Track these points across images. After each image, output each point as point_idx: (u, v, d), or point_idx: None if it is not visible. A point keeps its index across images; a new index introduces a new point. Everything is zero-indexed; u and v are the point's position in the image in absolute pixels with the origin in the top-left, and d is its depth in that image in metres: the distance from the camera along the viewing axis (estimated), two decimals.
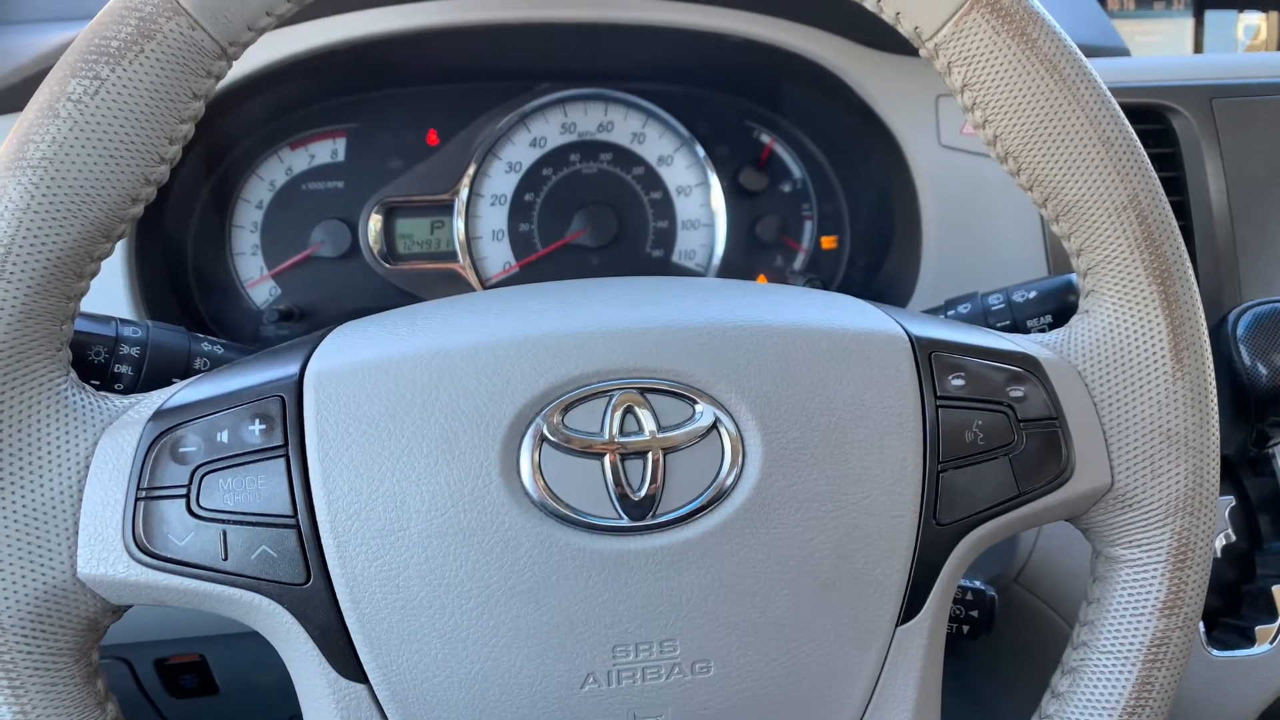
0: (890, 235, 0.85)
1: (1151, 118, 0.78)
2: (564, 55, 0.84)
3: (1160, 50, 1.07)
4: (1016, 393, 0.46)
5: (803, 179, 0.91)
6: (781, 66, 0.81)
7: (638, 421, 0.42)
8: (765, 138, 0.91)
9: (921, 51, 0.46)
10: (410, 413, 0.41)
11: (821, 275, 0.91)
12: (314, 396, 0.42)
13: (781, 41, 0.78)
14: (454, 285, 0.86)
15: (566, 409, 0.42)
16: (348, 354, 0.43)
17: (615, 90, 0.88)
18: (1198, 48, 1.08)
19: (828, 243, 0.91)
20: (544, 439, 0.41)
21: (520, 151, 0.87)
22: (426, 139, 0.86)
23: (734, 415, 0.43)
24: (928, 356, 0.45)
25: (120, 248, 0.71)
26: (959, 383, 0.45)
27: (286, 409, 0.41)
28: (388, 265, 0.85)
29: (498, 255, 0.87)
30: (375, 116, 0.86)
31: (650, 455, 0.42)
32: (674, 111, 0.88)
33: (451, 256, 0.86)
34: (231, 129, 0.82)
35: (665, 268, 0.89)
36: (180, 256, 0.82)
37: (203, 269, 0.83)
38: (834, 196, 0.91)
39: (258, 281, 0.84)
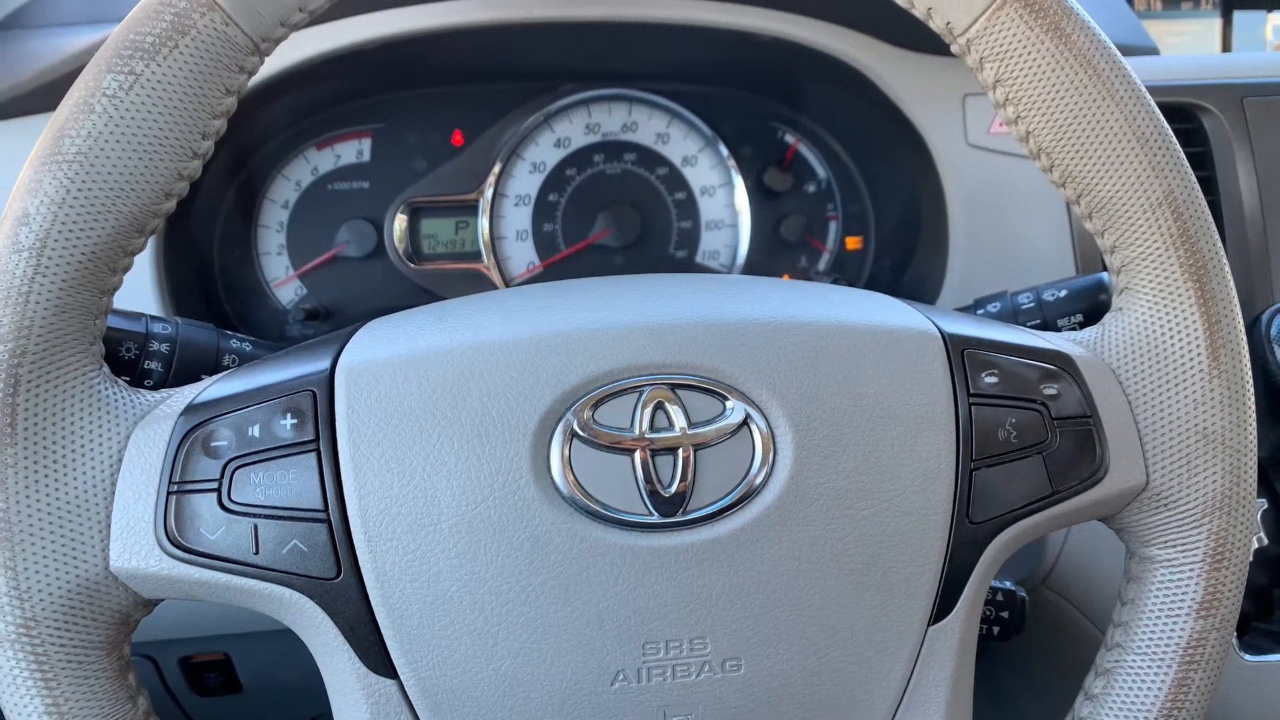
0: (916, 235, 0.84)
1: (1182, 116, 0.78)
2: (588, 55, 0.84)
3: (1188, 50, 1.06)
4: (1050, 390, 0.45)
5: (827, 179, 0.91)
6: (807, 65, 0.81)
7: (668, 417, 0.42)
8: (789, 138, 0.90)
9: (953, 47, 0.46)
10: (441, 408, 0.41)
11: (846, 275, 0.90)
12: (345, 391, 0.42)
13: (808, 40, 0.77)
14: (478, 285, 0.86)
15: (597, 404, 0.42)
16: (378, 349, 0.43)
17: (639, 90, 0.88)
18: (1226, 48, 1.07)
19: (853, 243, 0.91)
20: (574, 434, 0.41)
21: (544, 152, 0.87)
22: (451, 139, 0.86)
23: (765, 412, 0.42)
24: (960, 353, 0.45)
25: (148, 246, 0.72)
26: (992, 380, 0.45)
27: (318, 403, 0.41)
28: (412, 265, 0.85)
29: (522, 255, 0.87)
30: (401, 117, 0.86)
31: (680, 451, 0.42)
32: (698, 111, 0.88)
33: (476, 256, 0.86)
34: (258, 129, 0.82)
35: (689, 268, 0.89)
36: (207, 255, 0.82)
37: (229, 268, 0.84)
38: (859, 196, 0.91)
39: (283, 281, 0.85)
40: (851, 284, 0.90)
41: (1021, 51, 0.44)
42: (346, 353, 0.43)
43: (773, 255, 0.90)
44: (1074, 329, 0.59)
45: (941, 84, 0.79)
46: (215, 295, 0.83)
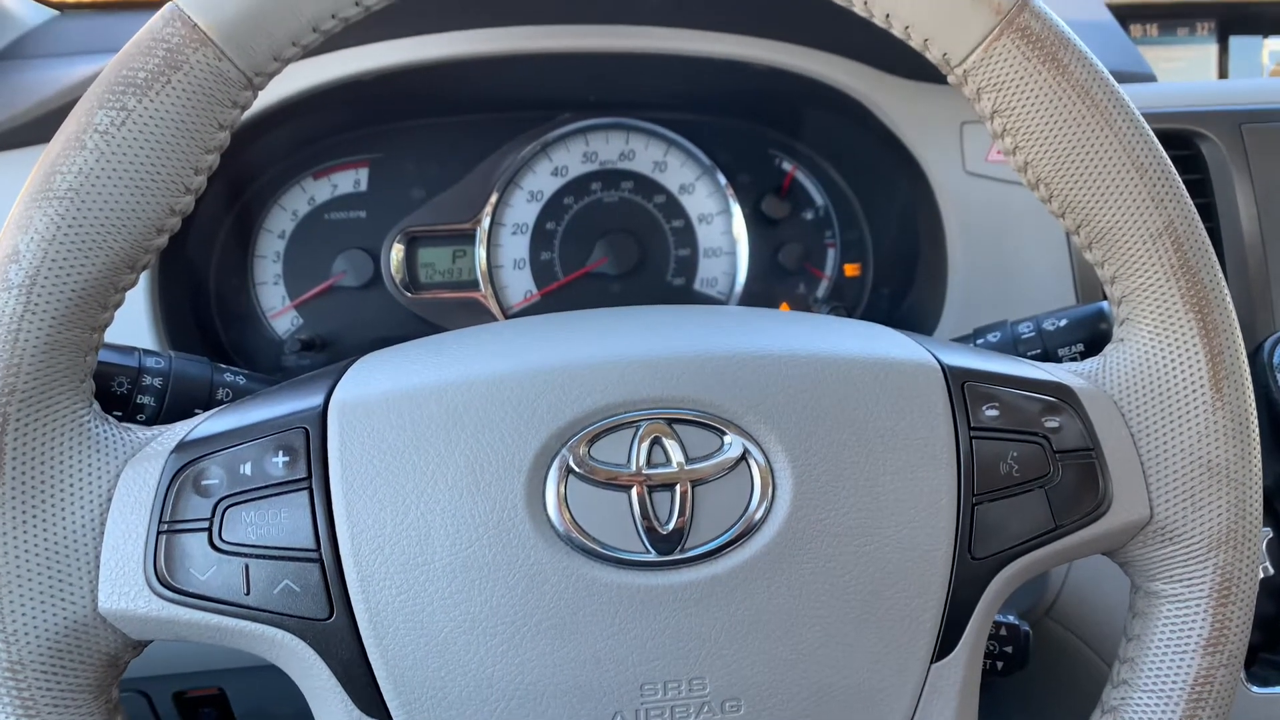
0: (915, 263, 0.84)
1: (1180, 143, 0.78)
2: (585, 85, 0.84)
3: (1184, 76, 1.06)
4: (1052, 423, 0.45)
5: (825, 206, 0.91)
6: (804, 94, 0.81)
7: (665, 453, 0.41)
8: (787, 165, 0.90)
9: (950, 78, 0.45)
10: (435, 444, 0.41)
11: (845, 303, 0.90)
12: (338, 428, 0.41)
13: (804, 69, 0.77)
14: (475, 314, 0.86)
15: (593, 440, 0.41)
16: (372, 385, 0.43)
17: (636, 119, 0.88)
18: (1222, 74, 1.07)
19: (851, 270, 0.91)
20: (570, 471, 0.41)
21: (542, 180, 0.87)
22: (449, 169, 0.86)
23: (763, 446, 0.42)
24: (960, 386, 0.44)
25: (143, 276, 0.71)
26: (993, 413, 0.44)
27: (310, 441, 0.41)
28: (409, 294, 0.85)
29: (519, 284, 0.87)
30: (398, 146, 0.86)
31: (678, 487, 0.41)
32: (695, 140, 0.88)
33: (473, 285, 0.86)
34: (254, 159, 0.82)
35: (687, 296, 0.89)
36: (203, 286, 0.82)
37: (225, 298, 0.83)
38: (857, 224, 0.91)
39: (280, 311, 0.84)
40: (850, 311, 0.90)
41: (1019, 82, 0.43)
42: (340, 388, 0.43)
43: (771, 283, 0.90)
44: (1075, 358, 0.58)
45: (938, 112, 0.79)
46: (211, 325, 0.82)
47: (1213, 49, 1.05)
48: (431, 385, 0.42)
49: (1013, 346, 0.59)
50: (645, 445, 0.41)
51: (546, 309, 0.87)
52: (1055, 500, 0.44)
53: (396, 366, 0.44)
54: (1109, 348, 0.48)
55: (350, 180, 0.85)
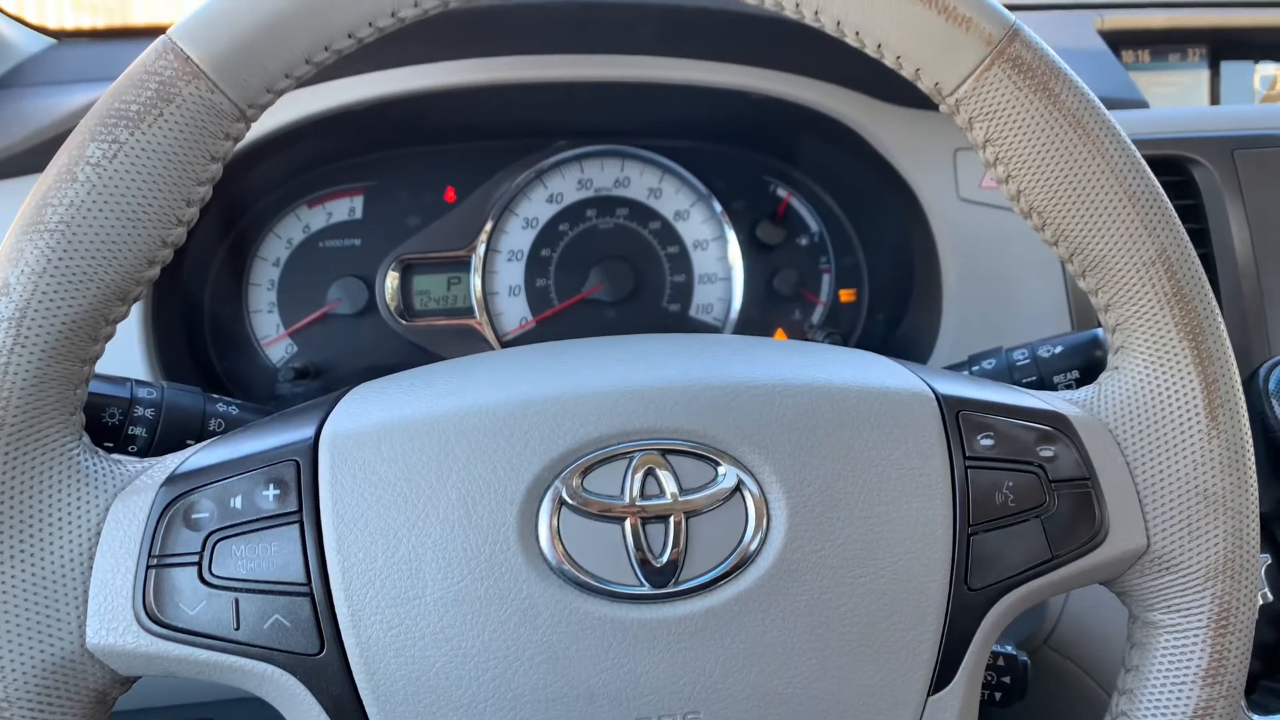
0: (910, 289, 0.84)
1: (1173, 169, 0.78)
2: (580, 113, 0.84)
3: (1176, 102, 1.06)
4: (1047, 452, 0.44)
5: (820, 232, 0.91)
6: (798, 121, 0.81)
7: (659, 484, 0.41)
8: (782, 191, 0.90)
9: (942, 107, 0.46)
10: (426, 476, 0.40)
11: (840, 329, 0.90)
12: (329, 460, 0.41)
13: (799, 98, 0.78)
14: (470, 341, 0.86)
15: (586, 471, 0.41)
16: (363, 416, 0.42)
17: (631, 146, 0.88)
18: (1214, 99, 1.07)
19: (846, 296, 0.91)
20: (563, 502, 0.40)
21: (537, 207, 0.87)
22: (444, 196, 0.86)
23: (758, 477, 0.42)
24: (955, 415, 0.44)
25: (136, 305, 0.71)
26: (988, 443, 0.44)
27: (301, 473, 0.41)
28: (404, 322, 0.85)
29: (514, 311, 0.87)
30: (393, 174, 0.86)
31: (672, 519, 0.41)
32: (690, 166, 0.88)
33: (468, 312, 0.86)
34: (249, 187, 0.82)
35: (682, 322, 0.89)
36: (197, 314, 0.82)
37: (219, 327, 0.83)
38: (851, 250, 0.91)
39: (274, 340, 0.84)
40: (846, 337, 0.90)
41: (1010, 111, 0.44)
42: (331, 420, 0.42)
43: (767, 309, 0.89)
44: (1070, 385, 0.58)
45: (932, 139, 0.79)
46: (205, 354, 0.82)
47: (1204, 74, 1.06)
48: (423, 417, 0.42)
49: (1008, 374, 0.59)
50: (639, 476, 0.41)
51: (542, 335, 0.87)
52: (1051, 530, 0.44)
53: (388, 398, 0.43)
54: (1104, 376, 0.48)
55: (345, 208, 0.85)
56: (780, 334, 0.90)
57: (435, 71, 0.75)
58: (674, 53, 0.76)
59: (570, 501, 0.40)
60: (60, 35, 0.94)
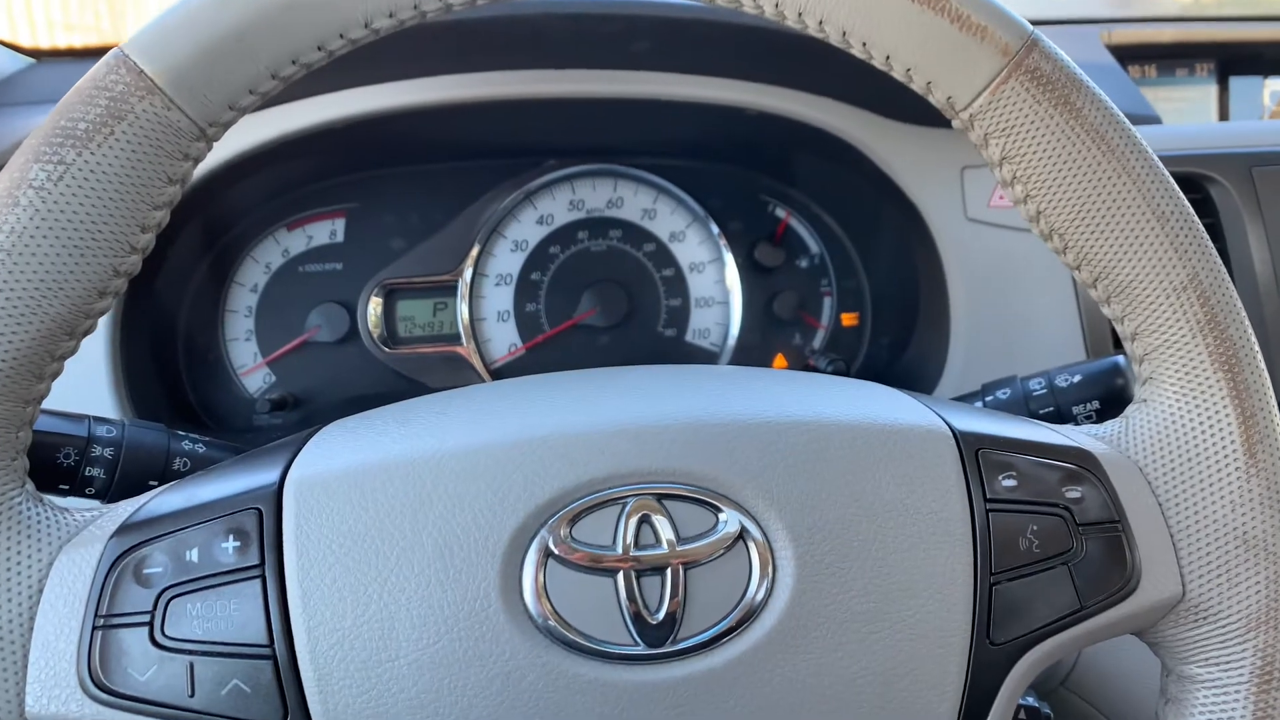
0: (915, 312, 0.81)
1: (1190, 187, 0.75)
2: (571, 131, 0.82)
3: (1184, 118, 1.04)
4: (1073, 493, 0.41)
5: (820, 254, 0.88)
6: (797, 139, 0.79)
7: (654, 532, 0.38)
8: (780, 212, 0.88)
9: (955, 123, 0.43)
10: (400, 526, 0.37)
11: (843, 354, 0.87)
12: (294, 508, 0.38)
13: (798, 114, 0.75)
14: (457, 369, 0.83)
15: (574, 519, 0.38)
16: (333, 459, 0.39)
17: (624, 165, 0.85)
18: (1223, 115, 1.05)
19: (848, 320, 0.88)
20: (549, 554, 0.37)
21: (526, 229, 0.84)
22: (429, 218, 0.83)
23: (762, 524, 0.39)
24: (975, 454, 0.41)
25: (104, 333, 0.68)
26: (1010, 483, 0.41)
27: (264, 523, 0.38)
28: (387, 349, 0.82)
29: (503, 337, 0.84)
30: (376, 195, 0.83)
31: (669, 571, 0.38)
32: (685, 186, 0.86)
33: (455, 339, 0.83)
34: (225, 210, 0.79)
35: (678, 347, 0.86)
36: (169, 343, 0.79)
37: (193, 356, 0.80)
38: (854, 272, 0.88)
39: (251, 369, 0.81)
40: (849, 363, 0.87)
41: (1029, 126, 0.41)
42: (297, 464, 0.39)
43: (766, 333, 0.87)
44: (1090, 416, 0.55)
45: (938, 156, 0.77)
46: (178, 384, 0.79)
47: (1213, 89, 1.04)
48: (397, 459, 0.39)
49: (1023, 404, 0.56)
50: (632, 524, 0.38)
51: (532, 362, 0.84)
52: (1080, 578, 0.41)
53: (359, 438, 0.40)
54: (1131, 409, 0.45)
55: (326, 231, 0.83)
56: (780, 359, 0.87)
57: (420, 87, 0.72)
58: (668, 67, 0.74)
59: (557, 552, 0.38)
60: (39, 55, 0.91)
